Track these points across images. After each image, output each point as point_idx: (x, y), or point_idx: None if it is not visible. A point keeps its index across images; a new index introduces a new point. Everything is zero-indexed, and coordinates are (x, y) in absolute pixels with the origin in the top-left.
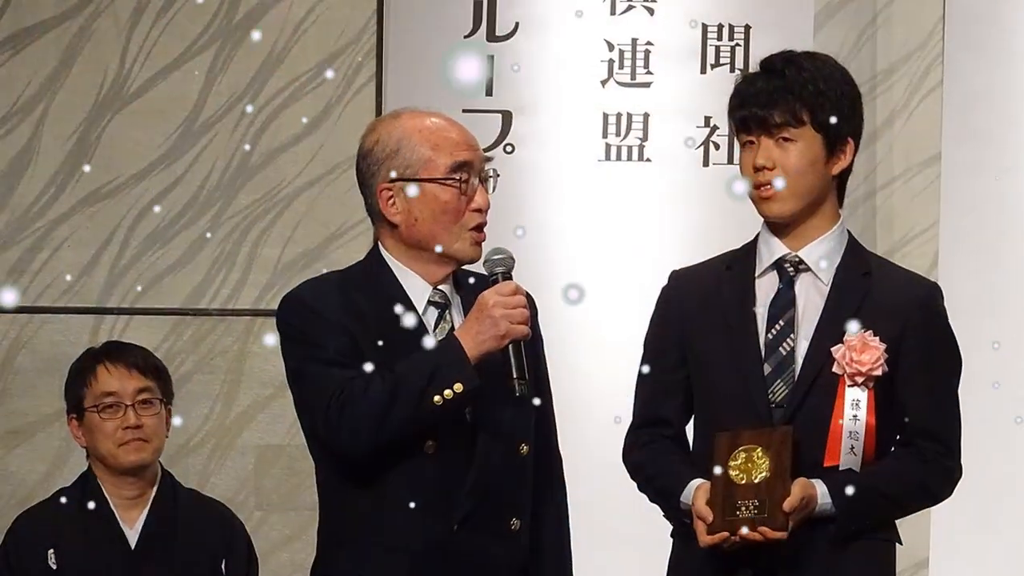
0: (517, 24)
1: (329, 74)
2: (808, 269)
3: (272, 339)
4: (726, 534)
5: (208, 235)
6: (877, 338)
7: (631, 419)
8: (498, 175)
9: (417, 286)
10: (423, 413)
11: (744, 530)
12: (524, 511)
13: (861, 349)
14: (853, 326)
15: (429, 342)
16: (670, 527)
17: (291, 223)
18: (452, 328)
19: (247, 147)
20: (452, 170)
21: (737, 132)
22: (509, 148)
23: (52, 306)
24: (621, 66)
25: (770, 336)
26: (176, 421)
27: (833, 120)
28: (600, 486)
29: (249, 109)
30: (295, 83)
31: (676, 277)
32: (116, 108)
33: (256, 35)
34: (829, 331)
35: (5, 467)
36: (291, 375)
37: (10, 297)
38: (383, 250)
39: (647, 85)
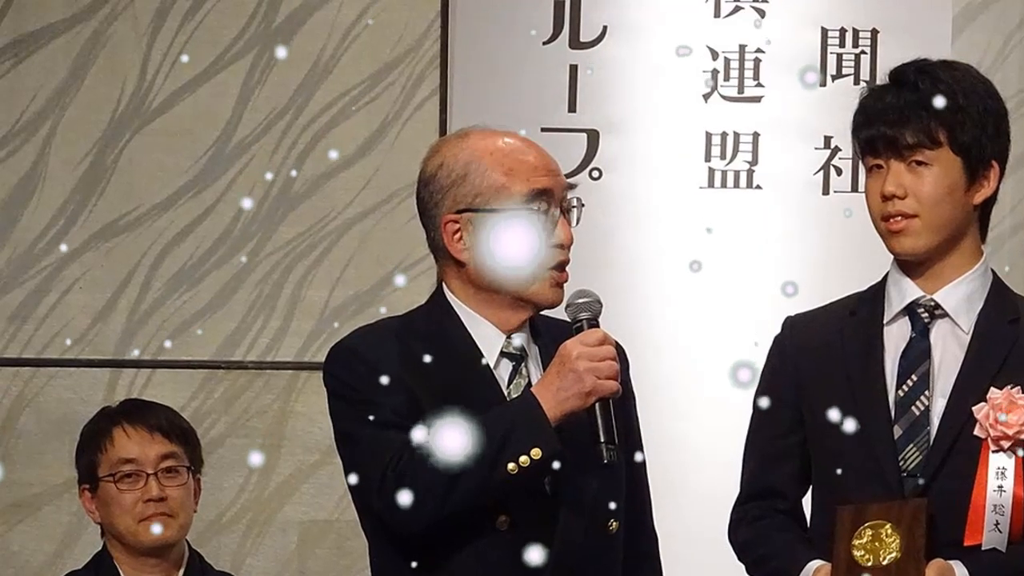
0: (605, 28)
1: (385, 87)
2: (945, 315)
3: (318, 396)
4: None
5: (243, 275)
6: None
7: (738, 490)
8: (583, 205)
9: (488, 335)
10: (495, 483)
11: None
12: None
13: (1008, 409)
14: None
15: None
16: None
17: (341, 261)
18: (529, 384)
19: (289, 172)
20: (529, 199)
21: (862, 154)
22: (596, 173)
23: (61, 358)
24: (727, 77)
25: (901, 393)
26: (206, 493)
27: (975, 140)
28: (703, 569)
29: (292, 128)
30: (345, 97)
31: (791, 325)
32: (136, 127)
33: (300, 41)
34: (970, 387)
35: (7, 546)
36: (340, 439)
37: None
38: (448, 293)
39: (757, 100)
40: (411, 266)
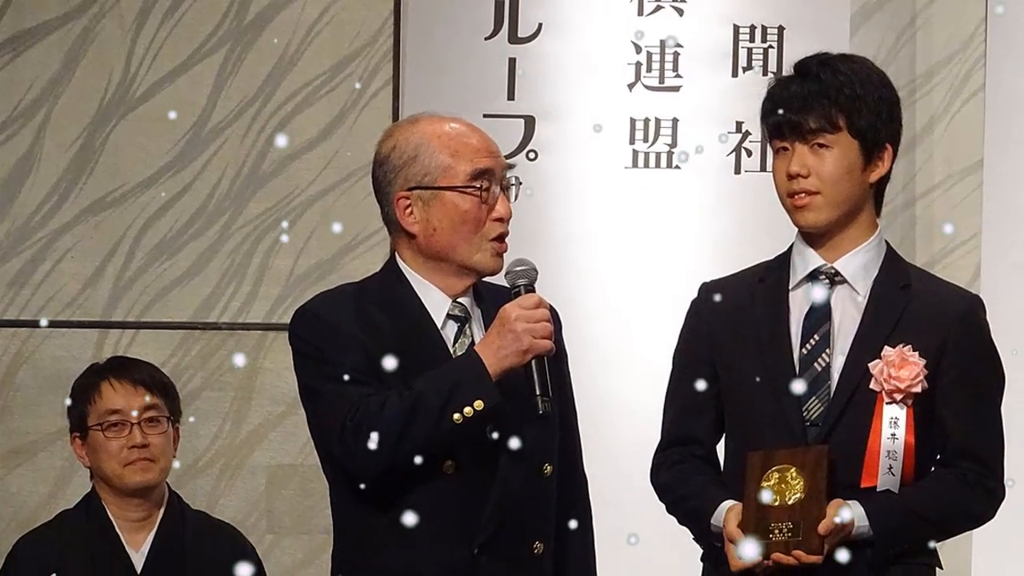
0: (540, 25)
1: (344, 77)
2: (844, 281)
3: (285, 354)
4: (759, 558)
5: (217, 245)
6: (916, 353)
7: (659, 438)
8: (520, 183)
9: (436, 299)
10: (442, 432)
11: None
12: (547, 535)
13: (900, 365)
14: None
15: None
16: (700, 550)
17: (304, 233)
18: (472, 343)
19: (258, 154)
20: (472, 178)
21: (770, 138)
22: (532, 155)
23: (55, 320)
24: (649, 69)
25: (804, 351)
26: (184, 440)
27: (870, 125)
28: (628, 508)
29: (260, 114)
30: (308, 87)
31: (706, 289)
32: (121, 113)
33: (268, 37)
34: (866, 346)
35: (6, 488)
36: (304, 392)
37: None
38: (400, 261)
39: (676, 89)
40: (367, 238)
